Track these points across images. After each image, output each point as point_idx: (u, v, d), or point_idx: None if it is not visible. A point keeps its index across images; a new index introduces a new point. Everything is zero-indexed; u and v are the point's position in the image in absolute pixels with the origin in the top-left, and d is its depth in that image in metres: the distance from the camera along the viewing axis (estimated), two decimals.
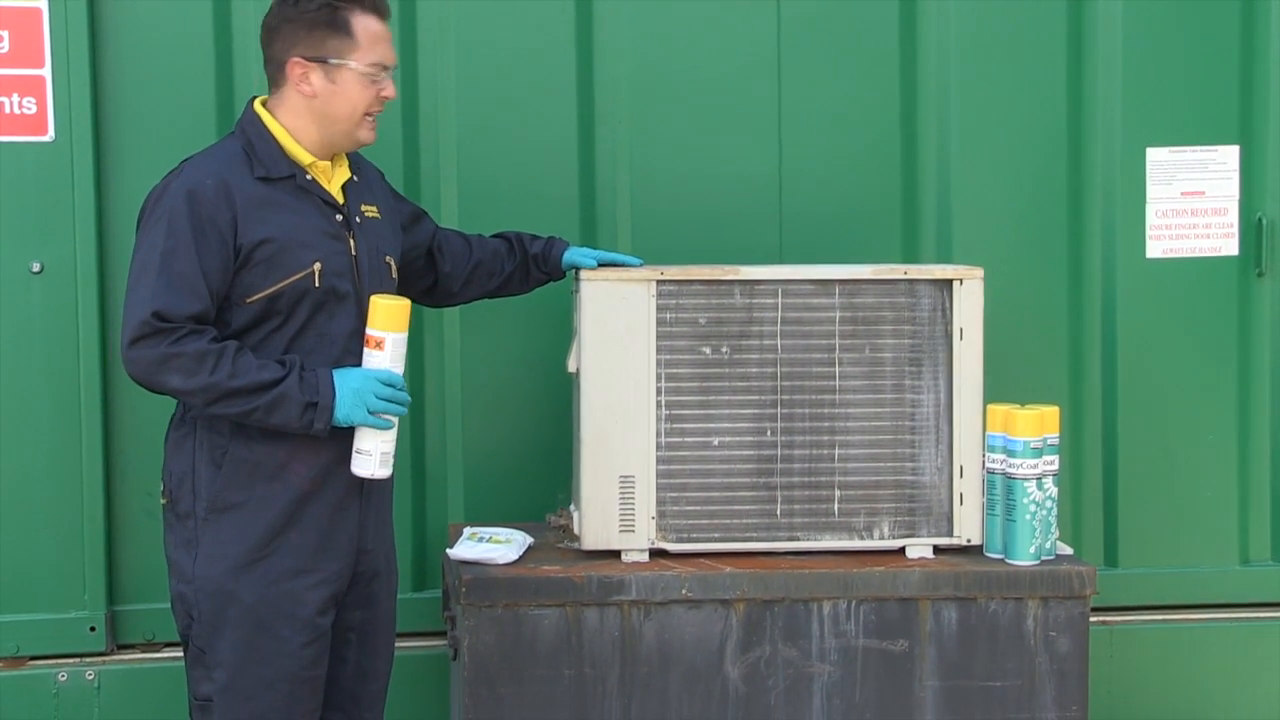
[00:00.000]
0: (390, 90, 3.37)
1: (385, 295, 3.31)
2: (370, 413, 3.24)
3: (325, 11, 3.31)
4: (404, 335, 3.29)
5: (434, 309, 3.95)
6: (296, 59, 3.32)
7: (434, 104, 4.08)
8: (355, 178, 3.46)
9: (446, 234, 3.78)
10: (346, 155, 3.47)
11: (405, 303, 3.30)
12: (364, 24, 3.33)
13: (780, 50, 4.16)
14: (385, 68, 3.36)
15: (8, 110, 3.89)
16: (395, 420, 3.29)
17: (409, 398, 3.32)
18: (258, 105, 3.40)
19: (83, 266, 3.93)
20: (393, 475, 3.36)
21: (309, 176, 3.35)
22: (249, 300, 3.26)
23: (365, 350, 3.29)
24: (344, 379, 3.25)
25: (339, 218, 3.37)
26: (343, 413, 3.23)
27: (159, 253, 3.20)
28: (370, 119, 3.37)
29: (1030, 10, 4.20)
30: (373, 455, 3.27)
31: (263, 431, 3.25)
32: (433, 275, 3.75)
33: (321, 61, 3.31)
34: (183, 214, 3.21)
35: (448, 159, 4.09)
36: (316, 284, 3.27)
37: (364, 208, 3.44)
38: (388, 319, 3.27)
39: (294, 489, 3.30)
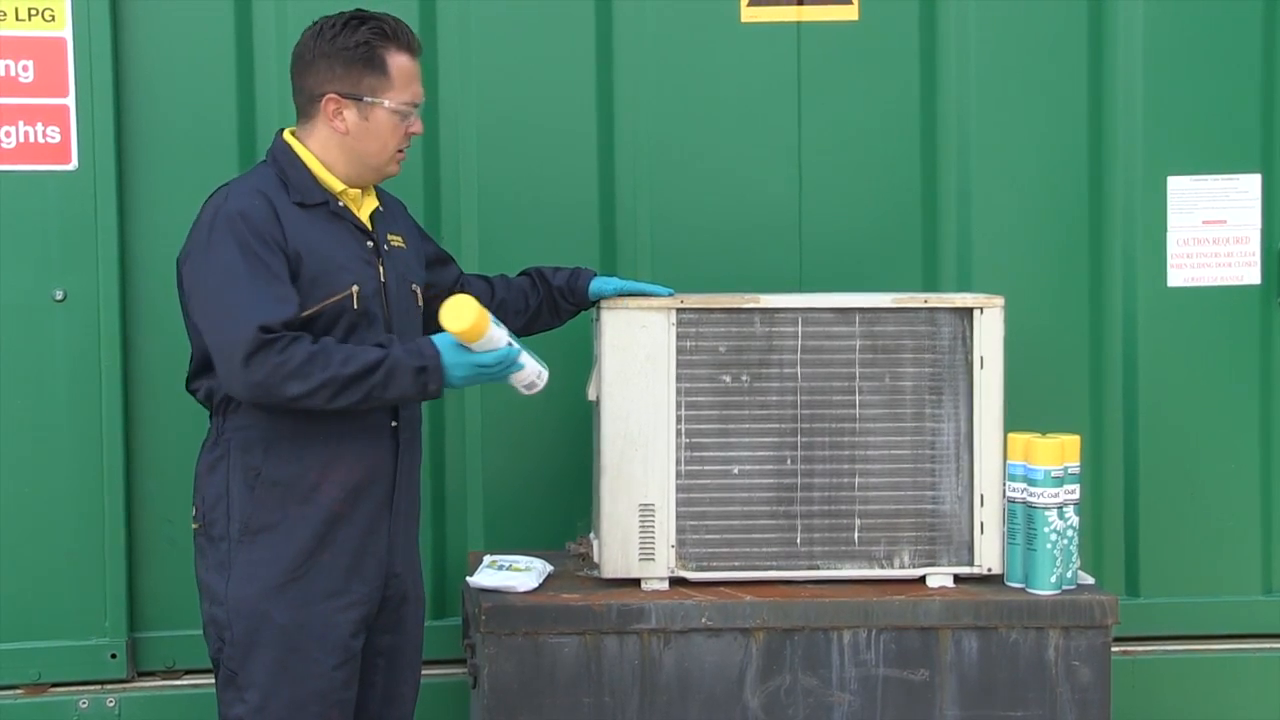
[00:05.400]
0: (418, 126, 3.41)
1: (452, 318, 3.25)
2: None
3: (363, 49, 3.32)
4: (488, 332, 3.28)
5: None
6: (331, 95, 3.33)
7: (454, 128, 4.09)
8: (381, 208, 3.49)
9: (469, 278, 3.78)
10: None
11: (472, 321, 3.25)
12: (398, 63, 3.35)
13: (800, 75, 4.17)
14: (416, 105, 3.39)
15: (32, 139, 3.92)
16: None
17: (510, 360, 3.34)
18: (287, 135, 3.42)
19: (105, 295, 3.94)
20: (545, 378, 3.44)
21: (341, 204, 3.38)
22: None
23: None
24: (450, 356, 3.26)
25: (370, 244, 3.40)
26: (457, 377, 3.28)
27: (239, 270, 3.21)
28: (400, 154, 3.41)
29: (1051, 38, 4.20)
30: (521, 385, 3.41)
31: (294, 452, 3.28)
32: None
33: (356, 99, 3.33)
34: (245, 231, 3.22)
35: (468, 184, 4.10)
36: (355, 305, 3.30)
37: (390, 237, 3.47)
38: (472, 338, 3.27)
39: (325, 510, 3.31)
